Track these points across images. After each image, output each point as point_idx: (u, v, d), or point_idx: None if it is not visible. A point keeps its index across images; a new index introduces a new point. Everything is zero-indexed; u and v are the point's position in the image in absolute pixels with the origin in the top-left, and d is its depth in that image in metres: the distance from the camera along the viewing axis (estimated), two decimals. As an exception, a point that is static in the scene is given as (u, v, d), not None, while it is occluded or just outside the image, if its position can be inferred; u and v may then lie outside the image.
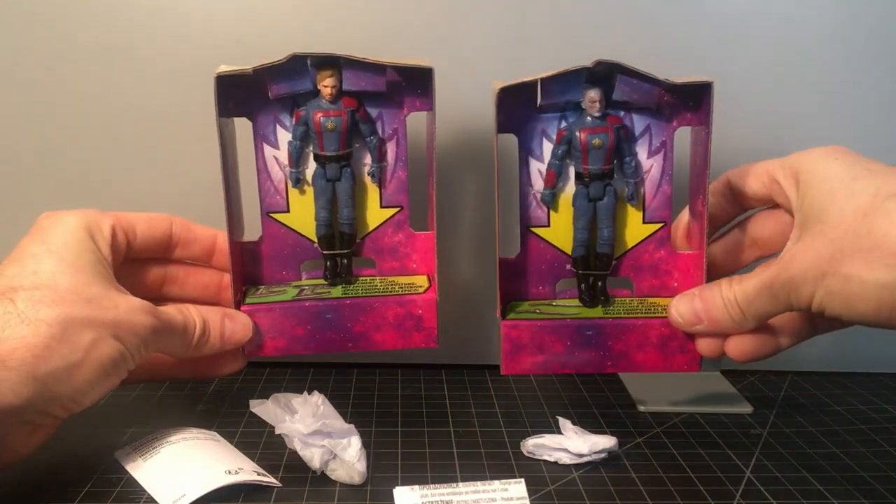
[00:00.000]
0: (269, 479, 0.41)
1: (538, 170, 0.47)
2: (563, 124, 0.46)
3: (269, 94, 0.45)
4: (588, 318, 0.45)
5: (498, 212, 0.44)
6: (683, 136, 0.46)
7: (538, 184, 0.47)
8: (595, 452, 0.44)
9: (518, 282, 0.47)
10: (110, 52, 0.55)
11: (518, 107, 0.45)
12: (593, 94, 0.44)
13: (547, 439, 0.45)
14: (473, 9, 0.55)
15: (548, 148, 0.46)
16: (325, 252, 0.47)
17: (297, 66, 0.44)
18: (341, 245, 0.47)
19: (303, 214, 0.47)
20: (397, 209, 0.48)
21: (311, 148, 0.46)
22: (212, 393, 0.53)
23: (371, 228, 0.48)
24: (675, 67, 0.44)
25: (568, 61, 0.43)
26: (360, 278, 0.48)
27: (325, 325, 0.45)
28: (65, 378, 0.35)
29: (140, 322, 0.39)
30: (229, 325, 0.44)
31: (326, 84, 0.44)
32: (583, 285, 0.47)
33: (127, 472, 0.41)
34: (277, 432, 0.42)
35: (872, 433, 0.51)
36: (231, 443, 0.45)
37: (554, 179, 0.46)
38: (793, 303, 0.39)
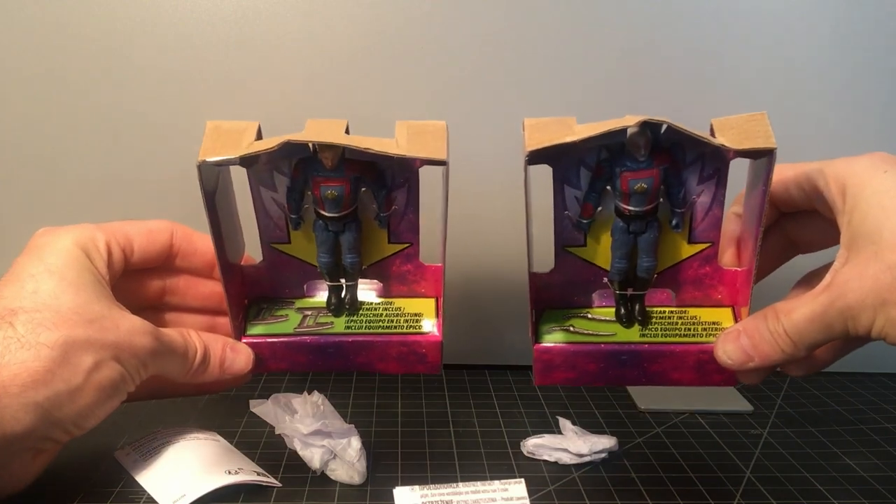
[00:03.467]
0: (269, 479, 0.41)
1: (574, 196, 0.43)
2: (604, 155, 0.41)
3: (261, 160, 0.41)
4: (623, 343, 0.43)
5: (529, 229, 0.41)
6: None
7: (574, 208, 0.43)
8: (595, 452, 0.44)
9: (552, 292, 0.44)
10: (111, 57, 0.55)
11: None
12: (639, 139, 0.39)
13: (547, 439, 0.45)
14: (491, 35, 0.55)
15: (585, 175, 0.42)
16: (328, 284, 0.45)
17: (291, 148, 0.39)
18: (346, 279, 0.45)
19: (305, 245, 0.45)
20: (406, 245, 0.45)
21: (310, 195, 0.43)
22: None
23: (378, 259, 0.45)
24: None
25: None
26: (365, 305, 0.46)
27: (327, 357, 0.44)
28: (66, 402, 0.35)
29: (141, 343, 0.38)
30: (230, 355, 0.43)
31: (327, 156, 0.40)
32: (620, 305, 0.44)
33: (127, 472, 0.41)
34: (277, 432, 0.42)
35: (872, 433, 0.51)
36: (231, 443, 0.45)
37: (592, 212, 0.42)
38: (850, 331, 0.37)
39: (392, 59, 0.55)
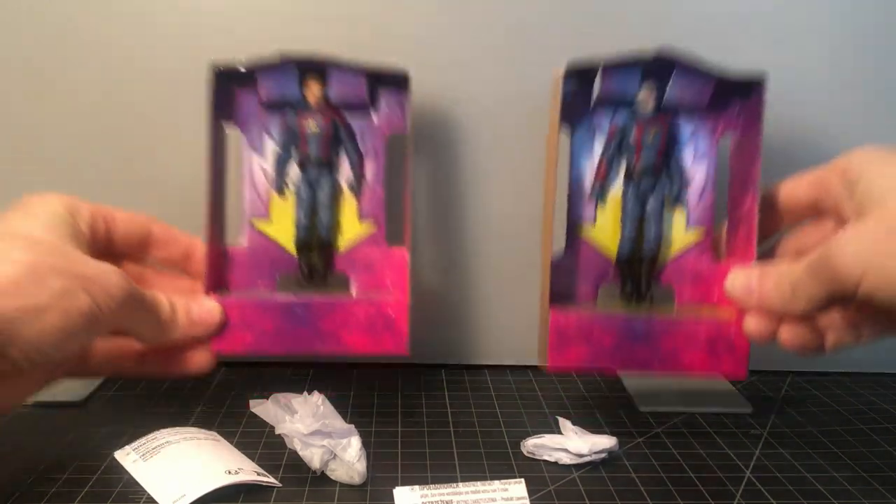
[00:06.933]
0: (269, 479, 0.41)
1: (588, 165, 0.49)
2: (616, 120, 0.49)
3: (260, 95, 0.48)
4: (638, 314, 0.45)
5: (552, 209, 0.46)
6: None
7: (587, 180, 0.49)
8: (595, 452, 0.44)
9: (559, 283, 0.46)
10: (101, 49, 0.54)
11: (573, 100, 0.46)
12: (649, 90, 0.47)
13: (547, 439, 0.45)
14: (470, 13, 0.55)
15: (597, 148, 0.49)
16: (301, 255, 0.50)
17: (286, 67, 0.48)
18: (319, 249, 0.50)
19: (283, 222, 0.50)
20: (374, 225, 0.50)
21: (295, 156, 0.50)
22: (212, 393, 0.53)
23: (348, 241, 0.50)
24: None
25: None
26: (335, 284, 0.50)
27: (295, 322, 0.45)
28: (28, 319, 0.34)
29: (112, 281, 0.38)
30: (195, 307, 0.44)
31: (312, 90, 0.48)
32: (627, 283, 0.48)
33: (127, 473, 0.41)
34: (277, 432, 0.42)
35: (872, 433, 0.51)
36: (231, 443, 0.45)
37: (605, 172, 0.49)
38: (835, 282, 0.36)
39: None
